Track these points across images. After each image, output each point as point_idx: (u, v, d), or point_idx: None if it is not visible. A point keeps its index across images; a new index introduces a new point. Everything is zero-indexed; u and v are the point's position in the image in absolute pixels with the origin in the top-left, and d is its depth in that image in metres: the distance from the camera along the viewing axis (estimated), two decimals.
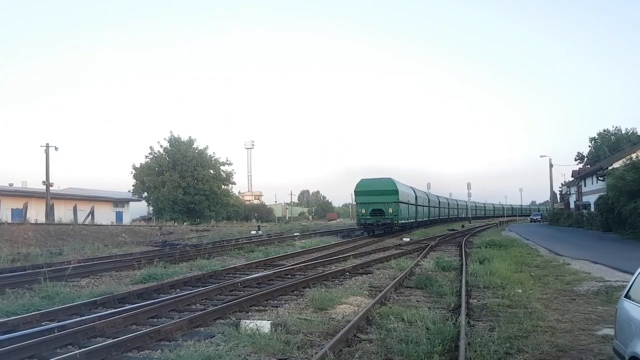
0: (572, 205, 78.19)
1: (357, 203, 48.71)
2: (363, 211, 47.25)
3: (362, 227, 48.35)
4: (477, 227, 64.45)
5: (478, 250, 27.89)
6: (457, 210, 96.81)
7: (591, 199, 63.01)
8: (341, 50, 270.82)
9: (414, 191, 58.81)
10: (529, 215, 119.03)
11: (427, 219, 66.46)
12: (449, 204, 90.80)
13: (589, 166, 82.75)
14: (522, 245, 31.65)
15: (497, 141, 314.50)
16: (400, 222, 48.33)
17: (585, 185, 70.28)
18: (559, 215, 77.31)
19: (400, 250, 29.32)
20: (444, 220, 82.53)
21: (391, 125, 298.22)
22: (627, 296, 7.51)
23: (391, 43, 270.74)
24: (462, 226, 66.06)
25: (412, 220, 54.78)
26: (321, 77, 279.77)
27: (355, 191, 48.36)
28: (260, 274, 19.93)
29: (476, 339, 10.19)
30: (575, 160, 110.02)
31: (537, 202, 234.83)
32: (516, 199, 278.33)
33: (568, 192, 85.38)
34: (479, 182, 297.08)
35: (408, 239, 38.60)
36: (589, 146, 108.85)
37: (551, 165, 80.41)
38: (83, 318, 12.65)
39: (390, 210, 46.73)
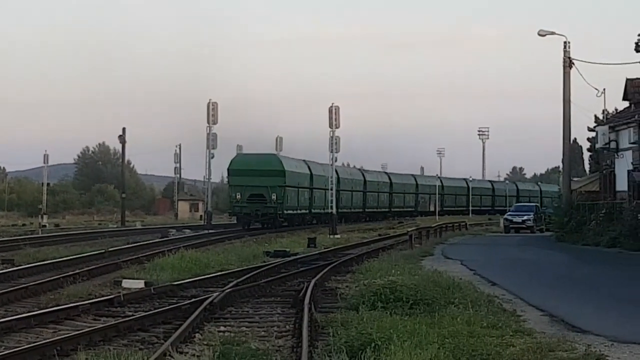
0: (620, 186, 34.19)
1: (230, 185, 45.25)
2: (238, 196, 42.55)
3: (236, 218, 44.62)
4: (352, 247, 29.34)
5: (351, 317, 10.50)
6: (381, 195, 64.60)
7: None
8: None
9: (309, 168, 48.78)
10: (504, 211, 60.36)
11: (324, 210, 48.42)
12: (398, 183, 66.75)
13: None
14: (475, 303, 12.00)
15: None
16: (287, 212, 43.21)
17: None
18: (585, 214, 34.39)
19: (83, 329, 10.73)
20: (379, 212, 63.21)
21: None
22: None
23: None
24: (336, 236, 35.45)
25: (304, 211, 47.21)
26: None
27: (229, 169, 44.71)
28: None
29: None
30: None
31: (529, 176, 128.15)
32: (461, 169, 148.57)
33: (607, 146, 35.00)
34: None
35: (140, 285, 16.26)
36: None
37: (570, 63, 34.65)
38: None
39: (274, 196, 41.69)
